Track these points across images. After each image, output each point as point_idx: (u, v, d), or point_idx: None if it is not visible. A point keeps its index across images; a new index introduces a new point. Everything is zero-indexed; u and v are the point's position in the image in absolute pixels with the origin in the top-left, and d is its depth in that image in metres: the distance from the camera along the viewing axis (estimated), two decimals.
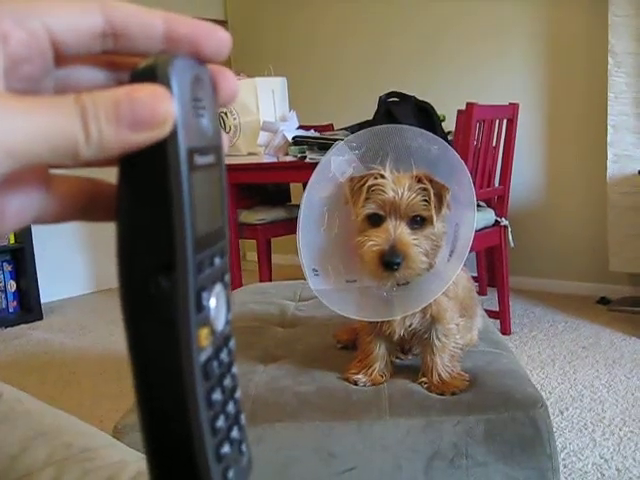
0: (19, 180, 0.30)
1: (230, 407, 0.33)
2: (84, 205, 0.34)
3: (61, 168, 0.29)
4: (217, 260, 0.32)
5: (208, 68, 0.31)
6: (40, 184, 0.32)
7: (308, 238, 1.30)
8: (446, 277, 1.22)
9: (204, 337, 0.30)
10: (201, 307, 0.30)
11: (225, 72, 0.32)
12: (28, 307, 4.08)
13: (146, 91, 0.27)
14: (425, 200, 1.18)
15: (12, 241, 4.03)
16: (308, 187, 1.30)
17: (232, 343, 0.34)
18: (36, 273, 4.06)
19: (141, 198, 0.28)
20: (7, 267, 4.08)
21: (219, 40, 0.30)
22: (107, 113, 0.26)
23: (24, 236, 3.98)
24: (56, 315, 4.14)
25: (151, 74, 0.27)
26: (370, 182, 1.20)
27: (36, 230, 4.03)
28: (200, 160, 0.29)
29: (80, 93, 0.27)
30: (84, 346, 3.47)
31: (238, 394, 0.35)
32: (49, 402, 0.88)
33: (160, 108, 0.27)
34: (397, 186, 1.18)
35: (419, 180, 1.19)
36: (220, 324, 0.32)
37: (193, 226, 0.28)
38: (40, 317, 4.05)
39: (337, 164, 1.30)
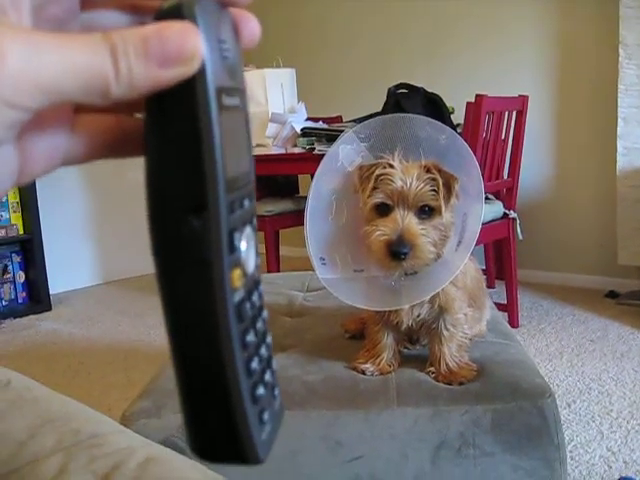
0: (46, 121, 0.30)
1: (263, 350, 0.33)
2: (111, 142, 0.34)
3: (90, 109, 0.29)
4: (246, 202, 0.31)
5: (230, 12, 0.31)
6: (66, 124, 0.32)
7: (316, 227, 1.30)
8: (453, 266, 1.21)
9: (237, 278, 0.30)
10: (233, 248, 0.29)
11: (247, 15, 0.32)
12: (37, 298, 4.09)
13: (174, 28, 0.27)
14: (434, 190, 1.18)
15: (21, 232, 4.04)
16: (316, 176, 1.29)
17: (261, 287, 0.34)
18: (45, 264, 4.07)
19: (170, 138, 0.28)
20: (16, 258, 4.09)
21: None
22: (136, 49, 0.26)
23: (33, 227, 3.99)
24: (65, 306, 4.15)
25: (177, 13, 0.27)
26: (379, 171, 1.19)
27: (45, 221, 4.05)
28: (228, 101, 0.29)
29: (109, 31, 0.27)
30: (92, 336, 3.48)
31: (269, 339, 0.35)
32: (58, 392, 0.88)
33: (188, 44, 0.26)
34: (405, 176, 1.18)
35: (428, 170, 1.18)
36: (251, 266, 0.32)
37: (224, 166, 0.28)
38: (49, 308, 4.06)
39: (345, 153, 1.29)
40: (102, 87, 0.26)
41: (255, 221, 0.33)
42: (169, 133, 0.28)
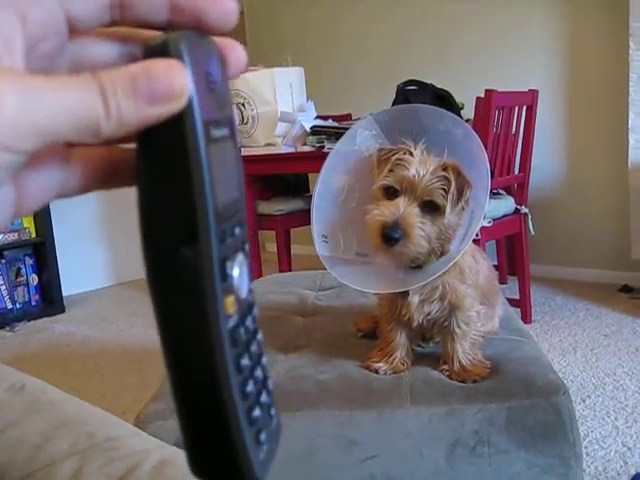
0: (40, 158, 0.31)
1: (258, 372, 0.34)
2: (104, 174, 0.34)
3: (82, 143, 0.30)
4: (237, 230, 0.32)
5: (216, 42, 0.31)
6: (60, 159, 0.32)
7: (323, 206, 1.30)
8: (451, 256, 1.21)
9: (230, 305, 0.30)
10: (225, 276, 0.30)
11: (232, 44, 0.32)
12: (50, 300, 4.11)
13: (162, 65, 0.27)
14: (443, 189, 1.17)
15: (33, 235, 4.06)
16: (330, 155, 1.29)
17: (255, 310, 0.34)
18: (57, 267, 4.09)
19: (161, 171, 0.29)
20: (29, 261, 4.11)
21: (224, 9, 0.30)
22: (125, 88, 0.27)
23: (46, 230, 4.01)
24: (78, 308, 4.17)
25: (164, 50, 0.28)
26: (398, 156, 1.19)
27: (57, 224, 4.07)
28: (216, 132, 0.30)
29: (97, 70, 0.27)
30: (106, 338, 3.50)
31: (264, 360, 0.35)
32: (72, 394, 0.89)
33: (176, 81, 0.27)
34: (421, 166, 1.17)
35: (445, 168, 1.18)
36: (244, 292, 0.32)
37: (213, 197, 0.29)
38: (62, 310, 4.08)
39: (363, 137, 1.29)
40: (93, 126, 0.27)
41: (247, 247, 0.33)
42: (159, 167, 0.29)
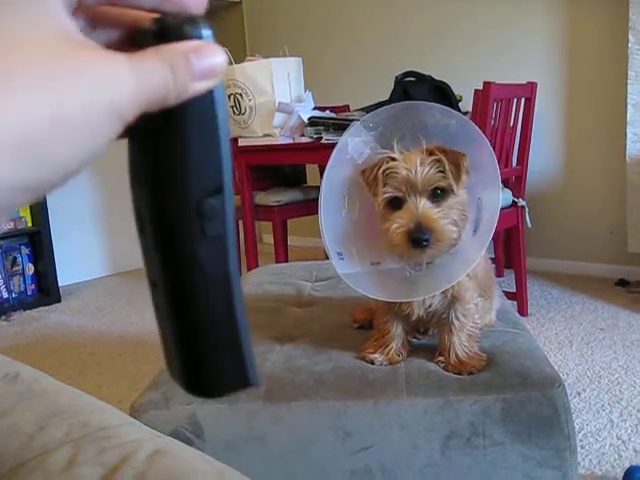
0: None
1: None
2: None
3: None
4: None
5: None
6: None
7: (330, 221, 1.28)
8: (470, 257, 1.20)
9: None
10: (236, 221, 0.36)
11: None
12: (46, 290, 4.11)
13: (208, 47, 0.32)
14: (441, 171, 1.16)
15: (30, 224, 4.05)
16: (327, 169, 1.28)
17: None
18: (54, 256, 4.09)
19: (197, 136, 0.33)
20: (25, 250, 4.11)
21: (199, 1, 0.35)
22: (185, 65, 0.31)
23: (42, 219, 4.01)
24: (74, 298, 4.17)
25: (199, 32, 0.32)
26: (383, 168, 1.18)
27: (53, 213, 4.06)
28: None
29: (158, 47, 0.31)
30: (102, 328, 3.50)
31: None
32: (68, 383, 0.88)
33: (219, 59, 0.32)
34: (409, 164, 1.17)
35: (431, 153, 1.17)
36: None
37: (230, 156, 0.35)
38: (58, 300, 4.08)
39: (354, 145, 1.28)
40: (163, 99, 0.31)
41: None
42: (196, 132, 0.33)
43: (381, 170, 1.18)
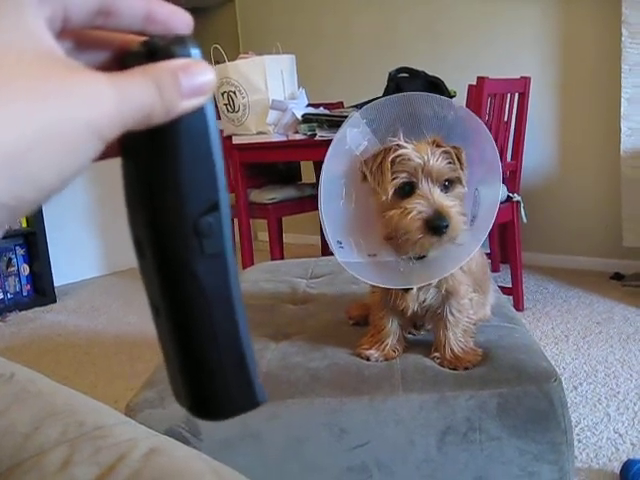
0: None
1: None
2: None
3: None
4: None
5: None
6: None
7: (330, 211, 1.28)
8: (465, 251, 1.20)
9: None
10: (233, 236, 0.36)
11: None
12: (42, 290, 4.10)
13: (197, 65, 0.32)
14: (449, 163, 1.16)
15: (25, 225, 4.04)
16: (326, 160, 1.28)
17: None
18: (49, 256, 4.08)
19: (190, 153, 0.33)
20: (20, 251, 4.10)
21: (184, 21, 0.35)
22: (173, 83, 0.31)
23: (37, 220, 3.99)
24: (69, 298, 4.16)
25: (187, 51, 0.32)
26: (392, 155, 1.17)
27: (48, 214, 4.05)
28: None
29: (144, 66, 0.32)
30: (98, 328, 3.49)
31: None
32: (63, 383, 0.88)
33: (208, 78, 0.32)
34: (421, 153, 1.16)
35: (437, 145, 1.17)
36: None
37: (224, 172, 0.35)
38: (54, 300, 4.07)
39: (352, 136, 1.28)
40: (147, 117, 0.31)
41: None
42: (190, 149, 0.33)
43: (390, 157, 1.17)
